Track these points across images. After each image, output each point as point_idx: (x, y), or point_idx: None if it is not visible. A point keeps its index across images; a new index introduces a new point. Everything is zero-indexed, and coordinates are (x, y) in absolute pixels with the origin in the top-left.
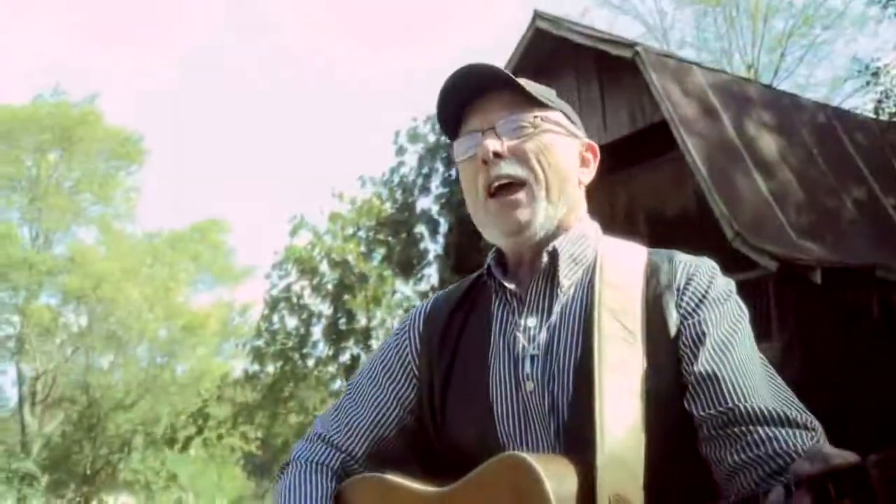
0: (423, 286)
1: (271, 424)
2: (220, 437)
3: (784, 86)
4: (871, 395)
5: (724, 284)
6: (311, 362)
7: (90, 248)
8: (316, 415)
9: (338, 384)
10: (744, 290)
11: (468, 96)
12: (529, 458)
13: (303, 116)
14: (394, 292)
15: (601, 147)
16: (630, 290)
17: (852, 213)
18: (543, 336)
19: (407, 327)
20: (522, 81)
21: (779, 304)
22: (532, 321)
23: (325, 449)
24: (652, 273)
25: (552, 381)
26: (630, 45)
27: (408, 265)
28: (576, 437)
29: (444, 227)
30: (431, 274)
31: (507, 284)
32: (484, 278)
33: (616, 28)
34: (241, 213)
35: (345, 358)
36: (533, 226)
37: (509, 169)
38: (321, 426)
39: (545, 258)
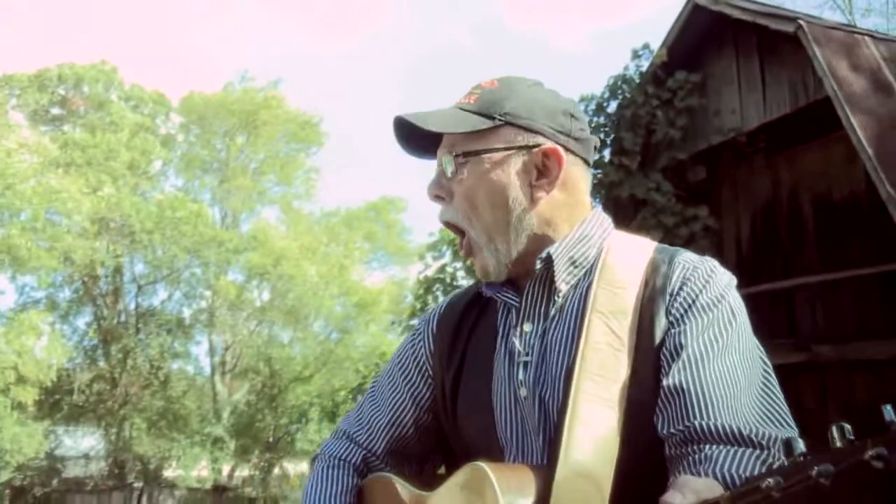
0: None
1: None
2: None
3: None
4: None
5: (721, 286)
6: None
7: (272, 227)
8: None
9: None
10: None
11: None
12: (489, 469)
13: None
14: None
15: (762, 126)
16: (627, 291)
17: None
18: (538, 341)
19: (422, 329)
20: (450, 114)
21: None
22: (528, 326)
23: (349, 445)
24: (651, 273)
25: (543, 387)
26: (792, 17)
27: None
28: (552, 447)
29: None
30: None
31: (502, 291)
32: None
33: None
34: (421, 192)
35: None
36: (488, 270)
37: (446, 215)
38: (345, 424)
39: (538, 265)
